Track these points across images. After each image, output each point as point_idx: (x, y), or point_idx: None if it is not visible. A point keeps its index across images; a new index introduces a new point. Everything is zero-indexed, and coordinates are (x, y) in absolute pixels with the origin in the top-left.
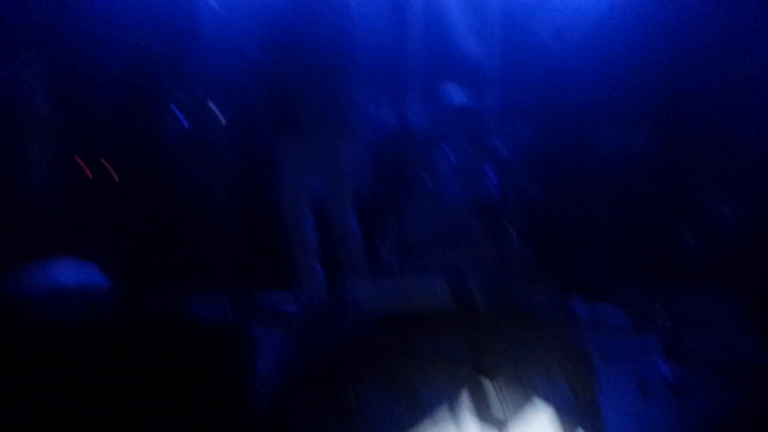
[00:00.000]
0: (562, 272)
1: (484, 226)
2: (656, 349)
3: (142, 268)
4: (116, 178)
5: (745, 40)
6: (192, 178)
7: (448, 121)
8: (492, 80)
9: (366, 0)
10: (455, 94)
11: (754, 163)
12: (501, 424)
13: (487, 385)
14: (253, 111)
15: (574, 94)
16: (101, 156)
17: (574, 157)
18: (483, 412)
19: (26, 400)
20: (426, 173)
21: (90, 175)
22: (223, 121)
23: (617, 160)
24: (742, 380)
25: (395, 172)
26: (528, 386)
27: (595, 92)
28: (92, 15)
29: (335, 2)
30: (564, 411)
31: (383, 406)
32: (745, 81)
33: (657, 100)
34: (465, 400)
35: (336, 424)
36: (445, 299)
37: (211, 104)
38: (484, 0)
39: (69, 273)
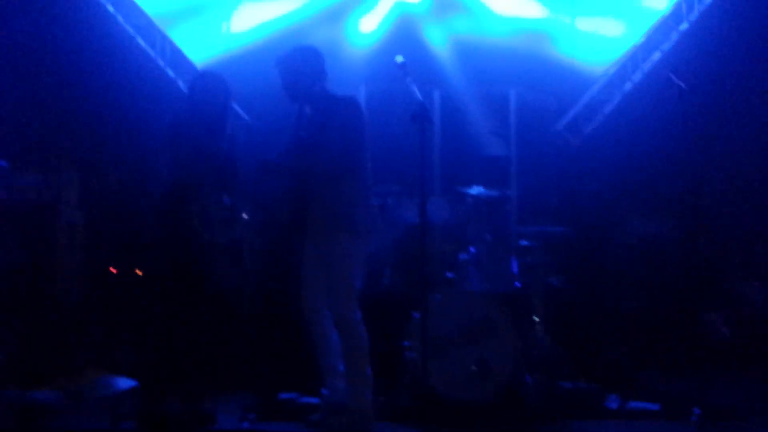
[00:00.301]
0: (589, 363)
1: (508, 318)
2: None
3: (168, 371)
4: (140, 273)
5: (764, 126)
6: (220, 280)
7: (470, 216)
8: (512, 174)
9: (385, 104)
10: (476, 189)
11: None
12: None
13: None
14: (277, 213)
15: (592, 184)
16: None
17: (597, 246)
18: None
19: None
20: (449, 267)
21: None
22: (248, 222)
23: (641, 248)
24: None
25: (419, 268)
26: None
27: (614, 181)
28: (124, 126)
29: (352, 111)
30: None
31: None
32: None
33: (677, 186)
34: None
35: None
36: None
37: (242, 213)
38: (499, 99)
39: (97, 384)
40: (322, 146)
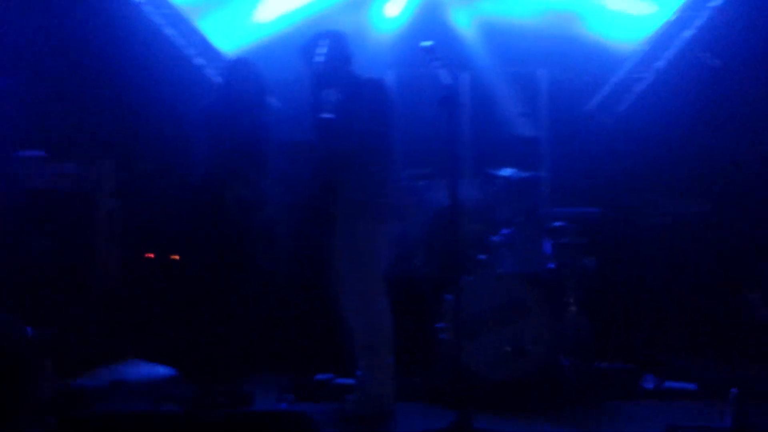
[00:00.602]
0: (625, 343)
1: (541, 299)
2: (725, 419)
3: (208, 356)
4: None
5: None
6: (257, 265)
7: (501, 198)
8: (543, 155)
9: (414, 88)
10: (507, 171)
11: None
12: None
13: None
14: (309, 197)
15: (625, 163)
16: (171, 248)
17: (631, 226)
18: None
19: None
20: (481, 249)
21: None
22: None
23: (676, 227)
24: None
25: (451, 250)
26: None
27: (648, 160)
28: (155, 115)
29: (378, 93)
30: None
31: None
32: None
33: (712, 165)
34: None
35: None
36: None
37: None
38: (529, 79)
39: (137, 371)
40: (349, 129)
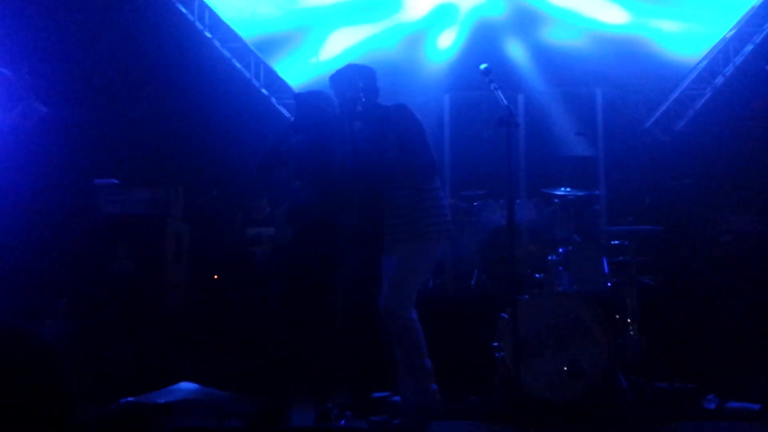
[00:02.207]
0: (685, 363)
1: (599, 318)
2: None
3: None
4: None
5: None
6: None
7: (557, 217)
8: (600, 174)
9: (469, 111)
10: (563, 190)
11: None
12: None
13: None
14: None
15: (684, 180)
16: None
17: (691, 243)
18: None
19: None
20: (538, 269)
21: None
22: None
23: (736, 244)
24: None
25: (508, 269)
26: None
27: (707, 177)
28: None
29: (406, 117)
30: None
31: None
32: None
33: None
34: None
35: None
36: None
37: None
38: (585, 99)
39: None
40: (381, 157)
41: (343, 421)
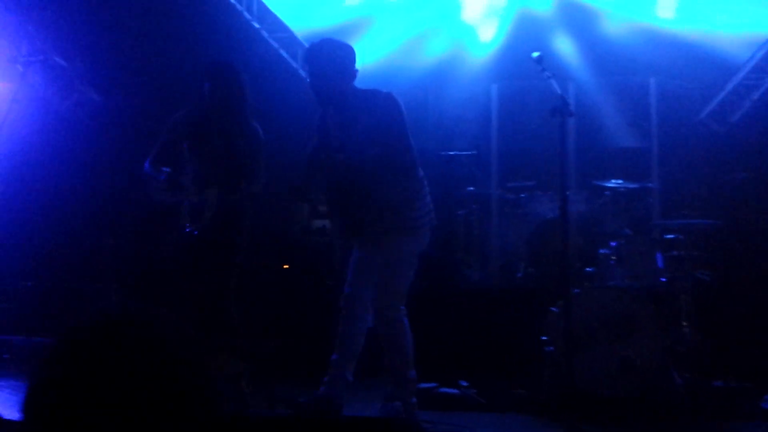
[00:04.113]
0: (742, 361)
1: (653, 314)
2: None
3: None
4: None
5: None
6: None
7: (608, 210)
8: (653, 166)
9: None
10: (614, 182)
11: None
12: None
13: None
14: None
15: (740, 173)
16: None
17: (747, 237)
18: None
19: None
20: (588, 262)
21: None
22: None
23: None
24: None
25: (558, 263)
26: None
27: (764, 169)
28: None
29: (389, 106)
30: None
31: None
32: None
33: None
34: None
35: None
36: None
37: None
38: (638, 89)
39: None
40: (362, 145)
41: (392, 411)
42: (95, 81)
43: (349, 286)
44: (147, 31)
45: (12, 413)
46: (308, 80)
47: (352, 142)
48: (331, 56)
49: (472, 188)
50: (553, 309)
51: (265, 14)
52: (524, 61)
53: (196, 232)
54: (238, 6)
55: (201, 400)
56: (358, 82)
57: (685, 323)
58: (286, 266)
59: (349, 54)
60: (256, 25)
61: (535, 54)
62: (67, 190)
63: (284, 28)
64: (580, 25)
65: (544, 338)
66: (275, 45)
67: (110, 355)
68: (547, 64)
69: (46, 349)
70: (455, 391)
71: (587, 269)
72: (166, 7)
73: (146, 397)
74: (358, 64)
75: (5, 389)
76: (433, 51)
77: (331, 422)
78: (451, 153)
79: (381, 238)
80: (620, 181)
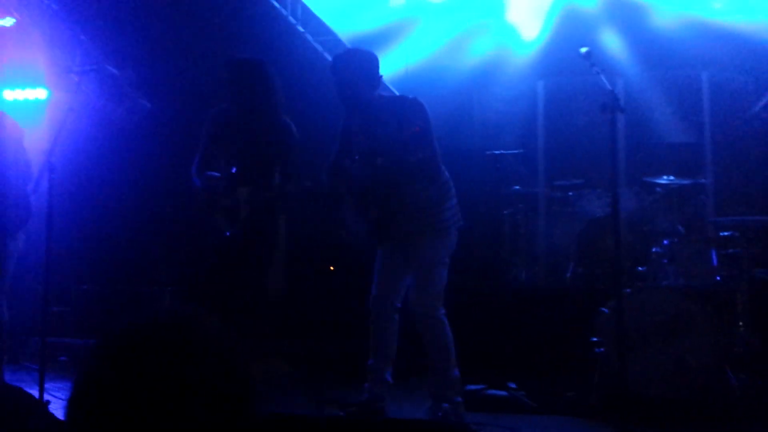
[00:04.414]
0: None
1: (707, 314)
2: None
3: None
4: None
5: None
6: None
7: (660, 207)
8: (706, 161)
9: (563, 98)
10: (666, 179)
11: None
12: None
13: None
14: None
15: None
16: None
17: None
18: None
19: None
20: (640, 261)
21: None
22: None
23: None
24: None
25: (610, 262)
26: None
27: None
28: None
29: (415, 109)
30: None
31: None
32: None
33: None
34: None
35: None
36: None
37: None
38: (690, 82)
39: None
40: (388, 150)
41: (440, 413)
42: (144, 88)
43: (375, 288)
44: (192, 37)
45: None
46: (335, 89)
47: (378, 148)
48: (356, 65)
49: (518, 187)
50: (603, 309)
51: (309, 17)
52: (571, 56)
53: (230, 234)
54: (283, 10)
55: (242, 403)
56: (403, 83)
57: (740, 323)
58: (332, 267)
59: (373, 62)
60: (300, 29)
61: (584, 49)
62: (121, 195)
63: (328, 31)
64: (628, 19)
65: (594, 339)
66: (319, 48)
67: (152, 357)
68: (596, 59)
69: (90, 350)
70: (504, 393)
71: (639, 268)
72: (211, 13)
73: (188, 399)
74: (403, 66)
75: (63, 391)
76: (478, 50)
77: (382, 424)
78: (497, 152)
79: (411, 240)
80: (672, 178)
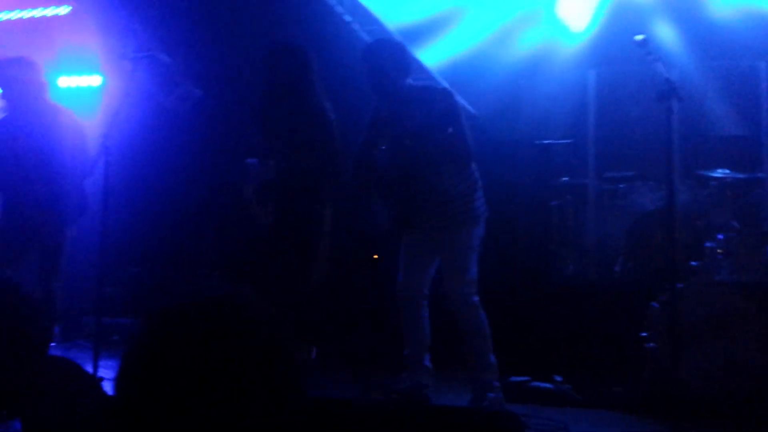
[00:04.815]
0: None
1: (764, 310)
2: None
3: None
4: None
5: None
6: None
7: (713, 201)
8: (763, 155)
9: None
10: (721, 172)
11: None
12: None
13: None
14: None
15: None
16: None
17: None
18: None
19: None
20: (692, 256)
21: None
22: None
23: None
24: None
25: (660, 256)
26: None
27: None
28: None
29: (446, 99)
30: None
31: None
32: None
33: None
34: None
35: None
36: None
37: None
38: (747, 73)
39: None
40: (418, 139)
41: (485, 402)
42: (195, 75)
43: (402, 276)
44: (240, 25)
45: None
46: (365, 78)
47: (407, 133)
48: (385, 54)
49: (567, 178)
50: (654, 304)
51: (356, 7)
52: (624, 45)
53: (268, 222)
54: (330, 0)
55: (291, 383)
56: (450, 73)
57: None
58: (375, 256)
59: (402, 51)
60: (348, 19)
61: (639, 37)
62: (172, 181)
63: (375, 21)
64: (682, 8)
65: (644, 334)
66: (367, 39)
67: (201, 334)
68: (651, 47)
69: (138, 327)
70: (549, 385)
71: (692, 263)
72: (259, 3)
73: (235, 377)
74: (450, 55)
75: (115, 369)
76: (527, 38)
77: (429, 410)
78: (546, 142)
79: (444, 228)
80: (727, 171)
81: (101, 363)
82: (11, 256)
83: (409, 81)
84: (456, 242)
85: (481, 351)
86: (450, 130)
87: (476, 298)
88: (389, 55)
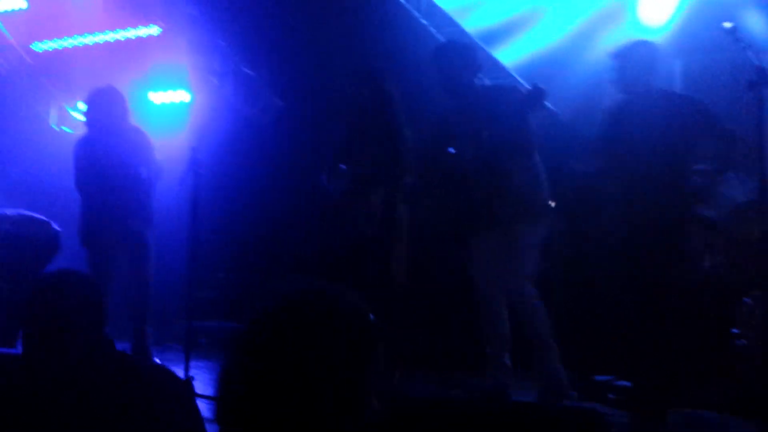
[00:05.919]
0: None
1: None
2: None
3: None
4: None
5: None
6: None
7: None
8: None
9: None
10: None
11: None
12: None
13: None
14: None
15: None
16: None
17: None
18: None
19: None
20: None
21: None
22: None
23: None
24: None
25: (752, 250)
26: None
27: None
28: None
29: (513, 98)
30: None
31: None
32: None
33: None
34: None
35: None
36: None
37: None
38: None
39: None
40: (488, 137)
41: (567, 401)
42: (277, 87)
43: (477, 275)
44: (319, 36)
45: (207, 390)
46: (436, 78)
47: (480, 129)
48: (455, 54)
49: None
50: (746, 300)
51: (433, 10)
52: (712, 33)
53: (368, 234)
54: (406, 4)
55: (383, 381)
56: (529, 72)
57: None
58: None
59: (471, 51)
60: (424, 22)
61: (728, 24)
62: (257, 189)
63: (452, 23)
64: None
65: (736, 331)
66: (444, 41)
67: (306, 328)
68: (740, 34)
69: (237, 332)
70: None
71: None
72: (337, 11)
73: (332, 374)
74: (528, 53)
75: (202, 369)
76: (608, 35)
77: (513, 407)
78: None
79: (516, 224)
80: None
81: (191, 364)
82: (98, 260)
83: (480, 79)
84: (526, 237)
85: (543, 335)
86: (521, 125)
87: (533, 292)
88: (459, 55)
